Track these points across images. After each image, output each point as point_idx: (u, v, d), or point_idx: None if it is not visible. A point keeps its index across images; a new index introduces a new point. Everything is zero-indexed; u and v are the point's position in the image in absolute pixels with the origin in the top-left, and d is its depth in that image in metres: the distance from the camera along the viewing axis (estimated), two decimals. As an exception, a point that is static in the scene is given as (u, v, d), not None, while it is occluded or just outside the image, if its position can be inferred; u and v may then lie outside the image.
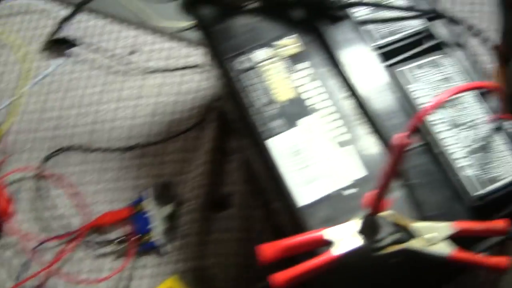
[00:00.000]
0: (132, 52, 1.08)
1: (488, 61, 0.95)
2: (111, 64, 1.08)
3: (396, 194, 0.65)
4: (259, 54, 0.73)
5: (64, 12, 1.14)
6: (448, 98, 0.50)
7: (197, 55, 1.04)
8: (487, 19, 1.06)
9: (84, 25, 1.12)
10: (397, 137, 0.49)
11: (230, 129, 0.89)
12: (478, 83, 0.69)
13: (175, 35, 1.08)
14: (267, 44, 0.74)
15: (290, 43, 0.73)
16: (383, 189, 0.55)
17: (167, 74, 1.05)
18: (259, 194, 0.89)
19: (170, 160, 0.97)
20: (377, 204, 0.57)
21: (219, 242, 0.89)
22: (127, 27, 1.12)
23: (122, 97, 1.05)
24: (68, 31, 1.12)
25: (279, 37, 0.74)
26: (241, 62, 0.73)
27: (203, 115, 0.99)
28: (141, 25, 1.10)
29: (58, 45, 1.10)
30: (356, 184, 0.66)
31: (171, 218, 0.93)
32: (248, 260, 0.86)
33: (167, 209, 0.93)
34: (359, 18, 0.74)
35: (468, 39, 0.96)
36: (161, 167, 0.97)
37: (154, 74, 1.06)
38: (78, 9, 1.13)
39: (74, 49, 1.10)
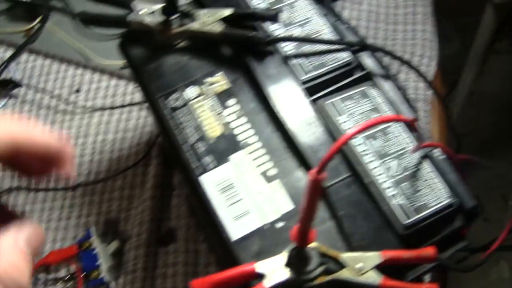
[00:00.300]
0: (77, 91, 1.09)
1: (424, 88, 0.97)
2: (57, 103, 1.08)
3: (326, 225, 0.66)
4: (190, 92, 0.74)
5: (8, 53, 1.14)
6: (356, 135, 0.51)
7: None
8: (421, 47, 1.08)
9: (29, 66, 1.13)
10: (311, 172, 0.50)
11: (173, 164, 0.89)
12: (388, 117, 0.70)
13: (119, 73, 1.09)
14: (197, 81, 0.75)
15: (219, 80, 0.74)
16: (305, 223, 0.56)
17: (113, 111, 1.06)
18: (202, 228, 0.90)
19: (117, 196, 0.98)
20: (302, 237, 0.58)
21: (166, 276, 0.90)
22: (72, 66, 1.12)
23: (69, 136, 1.05)
24: (13, 72, 1.12)
25: (208, 75, 0.75)
26: (173, 100, 0.74)
27: (147, 151, 1.00)
28: (86, 64, 1.11)
29: (4, 86, 1.10)
30: (284, 217, 0.67)
31: (118, 254, 0.93)
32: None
33: (114, 245, 0.93)
34: (288, 53, 0.75)
35: (400, 68, 0.99)
36: (108, 204, 0.98)
37: (100, 111, 1.06)
38: (21, 49, 1.14)
39: (20, 90, 1.10)
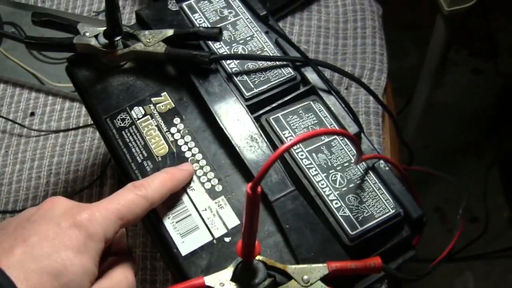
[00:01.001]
0: (32, 114, 1.09)
1: (374, 101, 0.99)
2: (12, 126, 1.09)
3: (273, 239, 0.67)
4: (136, 112, 0.75)
5: (-38, 78, 1.15)
6: (291, 147, 0.52)
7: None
8: (371, 60, 1.09)
9: (-17, 90, 1.13)
10: (248, 186, 0.51)
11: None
12: (328, 130, 0.72)
13: (72, 96, 1.09)
14: (143, 101, 0.76)
15: (164, 100, 0.76)
16: (248, 237, 0.56)
17: (68, 133, 1.06)
18: (157, 245, 0.91)
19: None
20: (247, 251, 0.59)
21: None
22: (26, 90, 1.13)
23: (25, 159, 1.05)
24: (-33, 97, 1.12)
25: (153, 94, 0.76)
26: (120, 120, 0.75)
27: (102, 172, 1.00)
28: (40, 88, 1.11)
29: (-42, 111, 1.10)
30: (231, 232, 0.68)
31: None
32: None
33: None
34: (231, 70, 0.77)
35: (351, 81, 1.00)
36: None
37: (55, 134, 1.07)
38: (-25, 75, 1.14)
39: (-26, 115, 1.10)
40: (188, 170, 0.71)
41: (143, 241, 0.94)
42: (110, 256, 0.63)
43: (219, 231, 0.68)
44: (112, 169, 1.01)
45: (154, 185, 0.66)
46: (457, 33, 1.64)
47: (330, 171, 0.70)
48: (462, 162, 2.06)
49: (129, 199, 0.64)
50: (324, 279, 0.63)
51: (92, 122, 1.06)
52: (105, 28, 0.77)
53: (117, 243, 0.65)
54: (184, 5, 0.83)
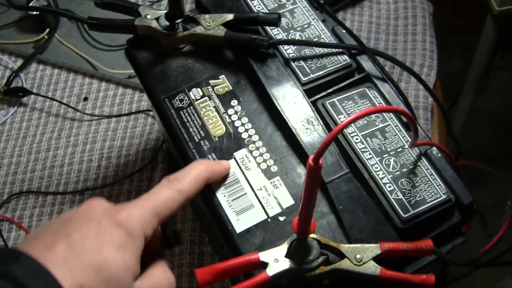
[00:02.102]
0: (85, 99, 1.12)
1: (424, 96, 0.99)
2: (66, 111, 1.11)
3: (326, 219, 0.68)
4: (194, 94, 0.77)
5: (18, 63, 1.18)
6: (361, 116, 0.53)
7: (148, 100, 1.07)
8: (421, 57, 1.10)
9: (38, 75, 1.16)
10: (310, 158, 0.52)
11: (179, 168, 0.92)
12: (389, 107, 0.72)
13: (125, 82, 1.11)
14: (201, 83, 0.77)
15: (221, 82, 0.77)
16: (305, 212, 0.57)
17: (120, 119, 1.08)
18: (206, 230, 0.92)
19: (123, 200, 1.00)
20: (303, 227, 0.60)
21: (172, 277, 0.91)
22: (79, 76, 1.15)
23: (78, 142, 1.08)
24: (23, 81, 1.15)
25: (211, 77, 0.78)
26: (178, 101, 0.76)
27: (153, 157, 1.02)
28: (93, 73, 1.14)
29: (14, 94, 1.13)
30: (285, 212, 0.69)
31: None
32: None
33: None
34: (289, 56, 0.78)
35: (400, 76, 1.01)
36: (115, 208, 0.99)
37: (107, 119, 1.09)
38: (31, 60, 1.17)
39: (29, 98, 1.13)
40: (224, 164, 0.72)
41: (191, 225, 0.95)
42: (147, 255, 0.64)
43: (273, 210, 0.69)
44: (163, 155, 1.03)
45: (189, 178, 0.67)
46: (504, 37, 1.64)
47: (384, 156, 0.71)
48: (505, 168, 2.04)
49: (165, 195, 0.65)
50: (376, 259, 0.64)
51: (144, 108, 1.08)
52: (166, 11, 0.79)
53: (153, 243, 0.66)
54: (243, -10, 0.85)
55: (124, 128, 1.08)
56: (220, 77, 0.78)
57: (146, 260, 0.64)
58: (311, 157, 0.51)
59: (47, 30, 1.20)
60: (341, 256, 0.64)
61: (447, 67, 2.20)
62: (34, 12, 1.19)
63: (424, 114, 1.04)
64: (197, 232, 0.95)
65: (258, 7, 0.82)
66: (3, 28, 1.23)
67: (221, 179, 0.71)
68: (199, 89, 0.77)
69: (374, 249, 0.64)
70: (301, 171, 0.71)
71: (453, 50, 2.26)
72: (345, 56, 0.78)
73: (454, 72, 2.15)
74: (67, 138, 1.09)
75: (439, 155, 0.73)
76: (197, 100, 0.76)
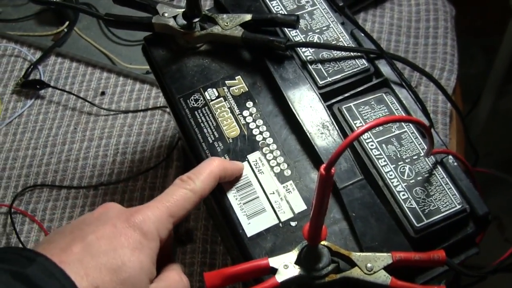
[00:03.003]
0: (103, 93, 1.11)
1: (443, 101, 0.98)
2: (82, 104, 1.11)
3: (338, 226, 0.68)
4: (210, 94, 0.76)
5: (37, 55, 1.18)
6: (374, 126, 0.52)
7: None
8: (441, 60, 1.09)
9: (56, 68, 1.16)
10: (322, 167, 0.51)
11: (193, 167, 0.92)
12: (404, 117, 0.71)
13: (143, 78, 1.11)
14: (217, 84, 0.77)
15: (237, 83, 0.76)
16: (316, 219, 0.57)
17: (136, 114, 1.08)
18: (219, 229, 0.92)
19: (137, 197, 0.99)
20: (314, 234, 0.59)
21: (183, 276, 0.91)
22: (97, 70, 1.15)
23: (93, 136, 1.07)
24: (41, 74, 1.15)
25: (228, 78, 0.77)
26: (193, 101, 0.76)
27: (168, 154, 1.02)
28: (111, 68, 1.14)
29: (31, 86, 1.13)
30: (297, 217, 0.69)
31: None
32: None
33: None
34: (306, 58, 0.77)
35: (420, 80, 1.00)
36: (128, 204, 0.99)
37: (124, 114, 1.08)
38: (49, 52, 1.17)
39: (47, 91, 1.13)
40: (237, 163, 0.72)
41: (204, 224, 0.95)
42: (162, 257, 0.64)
43: (285, 215, 0.69)
44: (178, 152, 1.02)
45: (202, 177, 0.67)
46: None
47: (399, 163, 0.70)
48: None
49: (179, 195, 0.65)
50: (387, 269, 0.63)
51: (161, 105, 1.08)
52: (183, 9, 0.78)
53: (167, 245, 0.66)
54: (262, -9, 0.84)
55: (140, 124, 1.08)
56: (236, 77, 0.77)
57: (161, 263, 0.64)
58: (323, 165, 0.51)
59: (67, 23, 1.20)
60: (352, 264, 0.63)
61: (468, 68, 2.18)
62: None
63: (443, 119, 1.03)
64: (209, 231, 0.94)
65: (277, 8, 0.82)
66: (23, 20, 1.23)
67: (234, 181, 0.71)
68: (214, 90, 0.77)
69: (385, 258, 0.63)
70: (315, 176, 0.71)
71: (474, 51, 2.24)
72: (363, 60, 0.77)
73: (475, 74, 2.13)
74: (83, 132, 1.09)
75: (455, 163, 0.72)
76: (212, 100, 0.76)
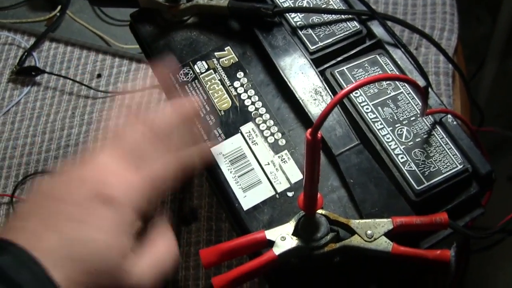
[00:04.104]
0: (99, 76, 1.10)
1: (445, 61, 0.96)
2: (79, 88, 1.10)
3: (336, 193, 0.66)
4: (199, 67, 0.74)
5: (31, 42, 1.16)
6: (359, 87, 0.50)
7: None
8: (441, 21, 1.07)
9: (51, 53, 1.15)
10: (308, 131, 0.49)
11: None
12: (391, 75, 0.69)
13: (139, 57, 1.10)
14: (206, 56, 0.75)
15: (227, 54, 0.75)
16: (309, 187, 0.55)
17: (134, 95, 1.07)
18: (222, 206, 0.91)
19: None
20: (309, 203, 0.58)
21: (189, 255, 0.90)
22: (92, 53, 1.14)
23: (92, 120, 1.06)
24: (36, 60, 1.14)
25: (216, 49, 0.76)
26: (183, 75, 0.74)
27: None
28: (106, 50, 1.12)
29: (27, 73, 1.12)
30: (294, 187, 0.67)
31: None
32: (218, 271, 0.87)
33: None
34: (296, 24, 0.75)
35: (420, 41, 0.98)
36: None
37: (122, 95, 1.07)
38: (43, 38, 1.16)
39: (43, 77, 1.12)
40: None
41: (208, 201, 0.94)
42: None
43: (281, 186, 0.67)
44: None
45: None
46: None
47: (396, 125, 0.68)
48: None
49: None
50: (388, 235, 0.61)
51: (158, 84, 1.06)
52: (168, -18, 0.77)
53: (153, 214, 0.63)
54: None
55: (138, 104, 1.06)
56: (225, 48, 0.76)
57: (150, 233, 0.62)
58: (309, 130, 0.49)
59: (59, 7, 1.19)
60: (352, 232, 0.62)
61: (474, 29, 2.15)
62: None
63: (445, 80, 1.01)
64: (214, 208, 0.93)
65: (264, -25, 0.80)
66: (15, 7, 1.22)
67: (227, 155, 0.69)
68: (204, 62, 0.75)
69: (385, 224, 0.61)
70: (311, 143, 0.69)
71: (480, 13, 2.21)
72: (355, 22, 0.75)
73: (481, 35, 2.11)
74: (81, 116, 1.07)
75: (454, 123, 0.70)
76: (202, 73, 0.74)
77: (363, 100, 0.70)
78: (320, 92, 0.70)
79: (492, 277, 1.53)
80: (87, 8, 1.19)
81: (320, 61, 0.73)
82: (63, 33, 1.17)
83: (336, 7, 0.76)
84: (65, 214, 0.56)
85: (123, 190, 0.58)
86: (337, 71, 0.72)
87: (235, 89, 0.73)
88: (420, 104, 0.70)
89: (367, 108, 0.69)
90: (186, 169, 0.64)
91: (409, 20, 1.08)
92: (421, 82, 0.71)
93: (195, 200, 0.95)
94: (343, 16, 0.76)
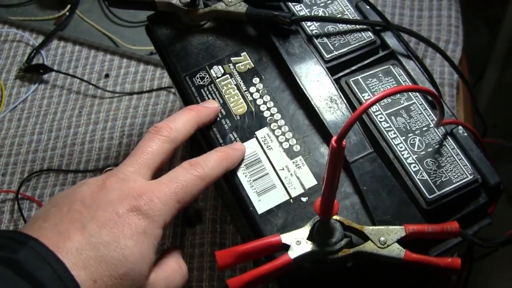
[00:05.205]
0: (107, 76, 1.11)
1: (449, 72, 0.98)
2: (87, 88, 1.10)
3: (350, 200, 0.67)
4: (216, 71, 0.75)
5: (39, 40, 1.17)
6: (385, 96, 0.51)
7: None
8: (446, 32, 1.08)
9: (59, 52, 1.15)
10: (333, 139, 0.50)
11: (200, 146, 0.91)
12: (415, 86, 0.70)
13: (147, 59, 1.10)
14: (222, 61, 0.76)
15: (243, 60, 0.76)
16: (328, 193, 0.56)
17: (141, 96, 1.07)
18: (228, 209, 0.91)
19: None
20: (325, 209, 0.59)
21: (193, 256, 0.90)
22: (101, 53, 1.14)
23: (99, 119, 1.07)
24: (44, 58, 1.14)
25: (233, 54, 0.77)
26: (199, 79, 0.75)
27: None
28: (114, 50, 1.13)
29: (35, 71, 1.12)
30: (308, 192, 0.68)
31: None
32: (222, 274, 0.88)
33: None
34: (312, 32, 0.76)
35: (425, 53, 0.99)
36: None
37: (129, 96, 1.08)
38: (52, 36, 1.16)
39: (50, 75, 1.12)
40: (241, 150, 0.70)
41: (213, 204, 0.94)
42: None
43: (296, 191, 0.68)
44: (185, 132, 1.02)
45: (210, 164, 0.66)
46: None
47: (409, 135, 0.70)
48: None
49: (187, 180, 0.63)
50: (400, 242, 0.62)
51: (166, 85, 1.07)
52: (187, -13, 0.78)
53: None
54: (264, -33, 0.83)
55: (145, 105, 1.08)
56: (241, 54, 0.77)
57: (163, 250, 0.64)
58: (334, 138, 0.50)
59: (68, 6, 1.19)
60: (365, 238, 0.63)
61: (473, 41, 2.17)
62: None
63: (450, 91, 1.02)
64: (218, 211, 0.94)
65: (281, -17, 0.81)
66: (25, 5, 1.23)
67: (243, 159, 0.70)
68: (220, 67, 0.76)
69: (398, 231, 0.63)
70: (324, 151, 0.70)
71: (478, 23, 2.22)
72: (369, 32, 0.77)
73: (479, 46, 2.12)
74: (88, 116, 1.08)
75: (465, 134, 0.71)
76: (218, 77, 0.75)
77: (377, 109, 0.71)
78: (336, 100, 0.71)
79: (485, 286, 1.54)
80: (96, 8, 1.20)
81: (335, 69, 0.75)
82: (72, 32, 1.17)
83: (351, 17, 0.78)
84: (99, 220, 0.57)
85: (157, 207, 0.60)
86: (352, 80, 0.73)
87: (251, 94, 0.74)
88: (432, 114, 0.71)
89: (381, 117, 0.70)
90: (209, 183, 0.66)
91: (415, 31, 1.09)
92: (434, 92, 0.72)
93: (200, 202, 0.96)
94: (357, 26, 0.77)
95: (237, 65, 0.76)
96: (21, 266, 0.51)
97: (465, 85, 0.97)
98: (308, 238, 0.63)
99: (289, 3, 0.79)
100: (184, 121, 0.68)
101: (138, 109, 1.07)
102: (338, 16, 0.78)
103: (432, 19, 1.12)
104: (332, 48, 0.75)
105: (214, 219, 0.93)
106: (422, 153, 0.69)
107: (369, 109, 0.71)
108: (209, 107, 0.71)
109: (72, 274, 0.52)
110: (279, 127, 0.72)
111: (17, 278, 0.50)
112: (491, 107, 1.83)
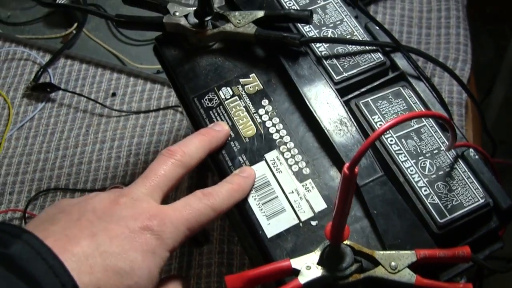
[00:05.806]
0: (114, 95, 1.11)
1: (458, 91, 0.97)
2: (94, 106, 1.10)
3: (360, 224, 0.67)
4: (224, 93, 0.75)
5: (46, 58, 1.17)
6: (398, 123, 0.51)
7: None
8: (455, 51, 1.08)
9: (66, 70, 1.15)
10: (345, 166, 0.50)
11: (208, 166, 0.91)
12: (427, 112, 0.70)
13: (154, 78, 1.10)
14: (231, 82, 0.76)
15: (252, 81, 0.75)
16: (339, 219, 0.56)
17: (148, 115, 1.07)
18: (235, 229, 0.91)
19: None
20: (336, 234, 0.58)
21: (200, 277, 0.90)
22: (107, 71, 1.14)
23: (106, 138, 1.07)
24: (51, 77, 1.14)
25: (242, 76, 0.76)
26: (207, 100, 0.75)
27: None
28: (121, 68, 1.13)
29: (42, 90, 1.12)
30: (317, 216, 0.67)
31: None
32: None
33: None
34: (321, 54, 0.76)
35: (433, 71, 0.99)
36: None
37: (136, 115, 1.07)
38: (59, 55, 1.16)
39: (57, 94, 1.12)
40: (251, 178, 0.70)
41: (220, 224, 0.94)
42: None
43: (305, 214, 0.68)
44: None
45: (222, 195, 0.66)
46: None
47: (419, 158, 0.69)
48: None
49: (200, 209, 0.63)
50: (411, 267, 0.62)
51: (173, 104, 1.07)
52: (195, 8, 0.77)
53: None
54: (273, -13, 0.83)
55: (152, 124, 1.07)
56: (250, 75, 0.76)
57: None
58: (346, 165, 0.50)
59: (75, 25, 1.19)
60: (376, 263, 0.62)
61: (479, 56, 2.16)
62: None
63: (458, 110, 1.02)
64: (226, 231, 0.94)
65: (289, 4, 0.80)
66: (32, 23, 1.23)
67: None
68: (229, 88, 0.75)
69: (409, 256, 0.62)
70: (334, 174, 0.70)
71: (484, 39, 2.22)
72: (379, 53, 0.76)
73: (485, 62, 2.12)
74: (95, 135, 1.08)
75: (476, 156, 0.70)
76: (227, 99, 0.75)
77: (388, 132, 0.70)
78: (346, 123, 0.71)
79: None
80: (103, 27, 1.20)
81: (345, 91, 0.74)
82: (79, 51, 1.17)
83: (360, 38, 0.77)
84: (111, 231, 0.57)
85: (169, 230, 0.60)
86: (362, 102, 0.73)
87: (260, 116, 0.73)
88: (443, 137, 0.70)
89: (391, 140, 0.70)
90: (220, 214, 0.66)
91: (423, 49, 1.09)
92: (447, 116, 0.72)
93: (207, 222, 0.95)
94: (367, 47, 0.77)
95: (246, 87, 0.75)
96: (14, 262, 0.49)
97: (474, 105, 0.96)
98: (318, 263, 0.62)
99: (298, 24, 0.78)
100: (197, 146, 0.68)
101: (145, 128, 1.07)
102: (348, 37, 0.78)
103: (441, 37, 1.11)
104: (342, 70, 0.75)
105: (222, 239, 0.93)
106: (433, 176, 0.68)
107: (380, 131, 0.70)
108: (220, 131, 0.71)
109: (71, 273, 0.51)
110: (288, 150, 0.71)
111: (9, 275, 0.48)
112: (498, 123, 1.83)
